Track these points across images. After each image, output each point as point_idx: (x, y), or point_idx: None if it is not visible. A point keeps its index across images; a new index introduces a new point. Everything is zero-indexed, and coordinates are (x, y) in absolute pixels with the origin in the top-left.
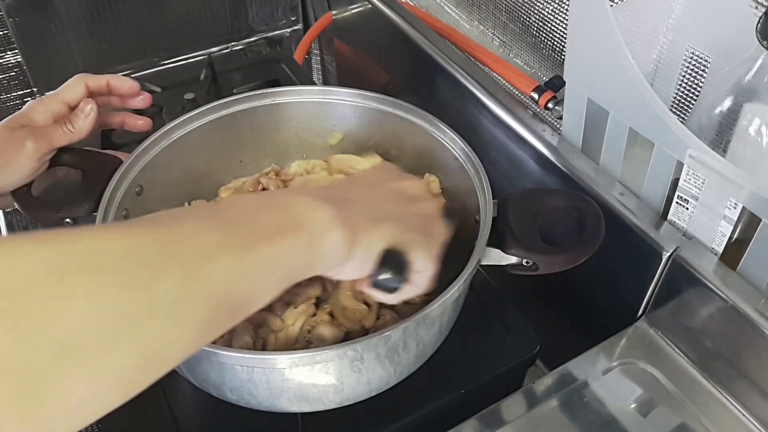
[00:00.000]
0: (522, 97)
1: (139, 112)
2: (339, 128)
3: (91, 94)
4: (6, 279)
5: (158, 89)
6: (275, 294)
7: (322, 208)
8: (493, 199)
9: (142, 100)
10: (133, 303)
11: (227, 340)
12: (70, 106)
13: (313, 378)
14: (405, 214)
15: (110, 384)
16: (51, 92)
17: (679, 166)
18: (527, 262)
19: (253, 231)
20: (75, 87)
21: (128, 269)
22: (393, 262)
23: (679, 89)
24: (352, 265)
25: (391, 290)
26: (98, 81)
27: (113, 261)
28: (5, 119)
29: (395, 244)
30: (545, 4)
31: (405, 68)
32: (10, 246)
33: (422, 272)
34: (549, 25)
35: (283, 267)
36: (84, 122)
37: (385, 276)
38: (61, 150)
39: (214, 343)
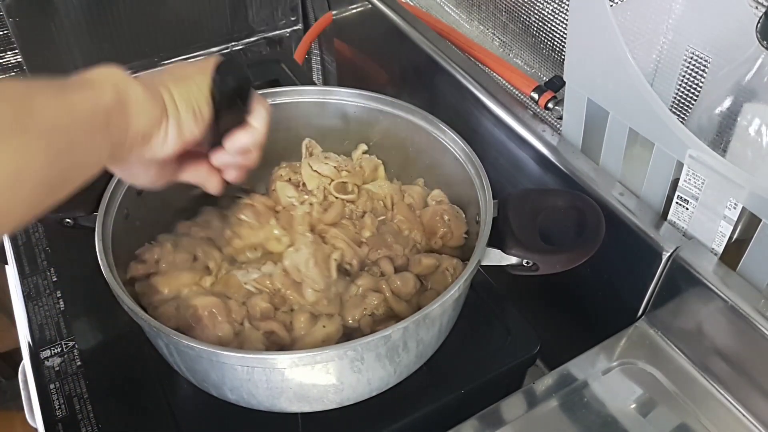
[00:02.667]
0: (522, 97)
1: None
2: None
3: None
4: None
5: None
6: (105, 144)
7: (113, 68)
8: (494, 199)
9: None
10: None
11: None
12: None
13: (313, 378)
14: (188, 66)
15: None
16: None
17: (679, 166)
18: (527, 263)
19: (62, 86)
20: None
21: None
22: (224, 83)
23: (679, 89)
24: (178, 118)
25: (240, 94)
26: None
27: None
28: None
29: (213, 66)
30: (545, 4)
31: (405, 68)
32: None
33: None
34: (549, 25)
35: (100, 112)
36: None
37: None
38: None
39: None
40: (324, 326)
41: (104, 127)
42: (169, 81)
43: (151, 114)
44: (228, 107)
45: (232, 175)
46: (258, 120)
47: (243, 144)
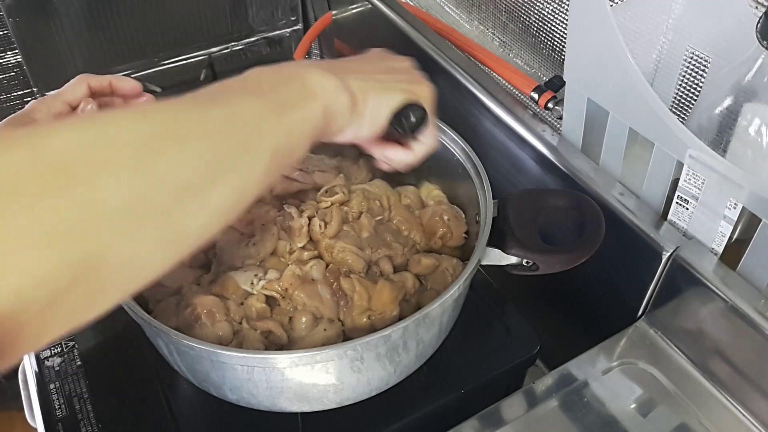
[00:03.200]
0: (522, 97)
1: None
2: None
3: (94, 95)
4: (121, 138)
5: (158, 89)
6: (306, 148)
7: (330, 79)
8: (494, 199)
9: (145, 102)
10: (222, 156)
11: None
12: (72, 107)
13: (313, 377)
14: (393, 80)
15: (214, 216)
16: (53, 92)
17: (679, 166)
18: (527, 262)
19: (283, 100)
20: (77, 87)
21: (215, 134)
22: (405, 113)
23: (679, 89)
24: (360, 123)
25: (411, 129)
26: (101, 81)
27: (195, 129)
28: (7, 118)
29: (404, 100)
30: (545, 4)
31: None
32: (121, 115)
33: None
34: (549, 25)
35: (308, 126)
36: None
37: (399, 123)
38: None
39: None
40: (325, 329)
41: (307, 141)
42: (371, 89)
43: (347, 120)
44: (400, 130)
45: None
46: (419, 148)
47: (392, 158)
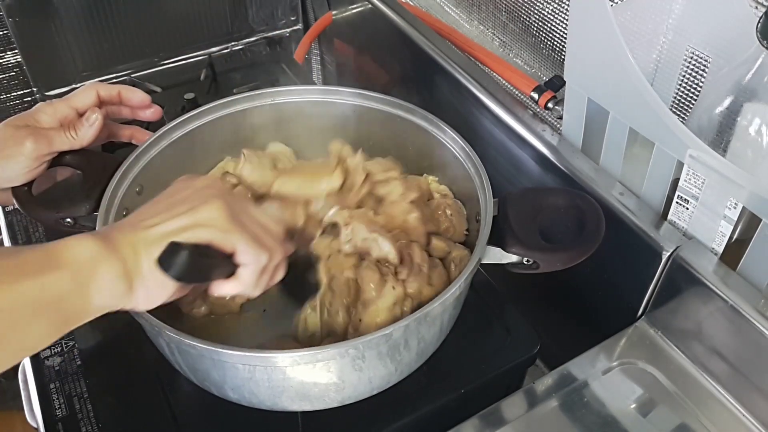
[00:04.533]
0: (522, 97)
1: (146, 125)
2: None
3: (102, 103)
4: None
5: (158, 89)
6: (52, 332)
7: (83, 242)
8: (494, 198)
9: (153, 113)
10: None
11: None
12: (78, 113)
13: (314, 376)
14: (171, 213)
15: None
16: (62, 97)
17: (679, 166)
18: (528, 261)
19: (13, 270)
20: (86, 94)
21: None
22: (168, 259)
23: (679, 89)
24: (143, 291)
25: (181, 275)
26: (110, 91)
27: None
28: (12, 117)
29: (185, 241)
30: (545, 4)
31: (405, 68)
32: None
33: (242, 254)
34: (549, 25)
35: (48, 303)
36: (87, 131)
37: (165, 260)
38: (62, 151)
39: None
40: (393, 287)
41: (52, 311)
42: (141, 242)
43: (118, 291)
44: (176, 279)
45: None
46: (244, 272)
47: (218, 293)
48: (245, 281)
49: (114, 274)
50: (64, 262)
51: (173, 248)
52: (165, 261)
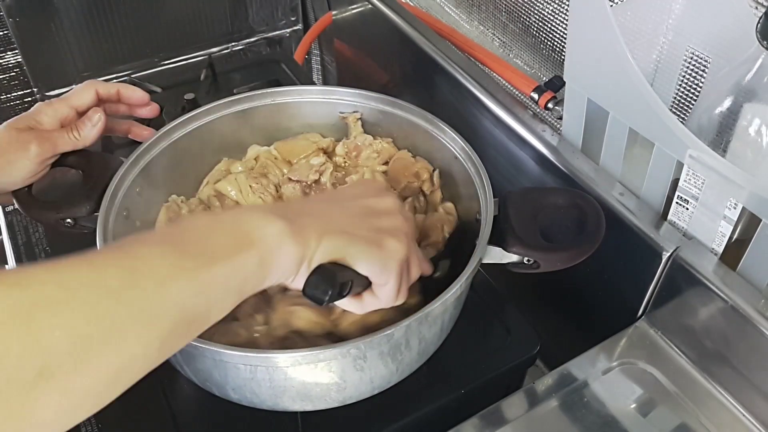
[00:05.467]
0: (522, 97)
1: (143, 121)
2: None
3: (101, 101)
4: None
5: (158, 89)
6: (230, 307)
7: (274, 223)
8: (494, 197)
9: (150, 110)
10: (99, 330)
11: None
12: (78, 112)
13: (315, 376)
14: (360, 227)
15: (80, 401)
16: (60, 96)
17: (679, 166)
18: (528, 260)
19: (206, 251)
20: (85, 93)
21: (93, 300)
22: (323, 274)
23: (679, 89)
24: (301, 277)
25: (319, 302)
26: (108, 89)
27: (79, 294)
28: (12, 119)
29: (335, 258)
30: (545, 4)
31: (405, 68)
32: None
33: (382, 285)
34: (549, 25)
35: (236, 283)
36: (90, 131)
37: (311, 289)
38: (64, 153)
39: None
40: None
41: (237, 292)
42: (330, 235)
43: (292, 271)
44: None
45: None
46: (370, 300)
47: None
48: (366, 309)
49: (294, 256)
50: (254, 242)
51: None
52: (310, 282)
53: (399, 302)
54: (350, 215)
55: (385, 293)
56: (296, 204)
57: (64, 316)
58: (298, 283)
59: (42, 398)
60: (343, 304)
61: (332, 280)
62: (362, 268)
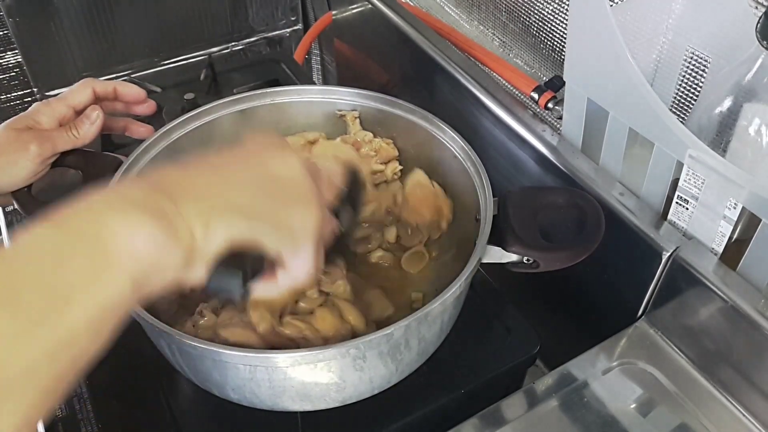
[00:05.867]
0: (522, 97)
1: (140, 118)
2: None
3: (98, 99)
4: None
5: (158, 89)
6: (109, 337)
7: (139, 228)
8: (494, 197)
9: (147, 107)
10: None
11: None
12: (75, 110)
13: (315, 376)
14: (259, 200)
15: None
16: (58, 95)
17: (679, 166)
18: (528, 260)
19: (54, 296)
20: (82, 91)
21: None
22: (224, 265)
23: (679, 89)
24: (196, 275)
25: (230, 296)
26: (105, 87)
27: None
28: (11, 119)
29: (235, 241)
30: (545, 4)
31: (405, 68)
32: None
33: (297, 261)
34: (549, 25)
35: (104, 313)
36: (89, 129)
37: (216, 284)
38: (63, 151)
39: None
40: None
41: (114, 324)
42: (218, 222)
43: (176, 277)
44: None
45: None
46: (284, 278)
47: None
48: (282, 288)
49: (175, 259)
50: (117, 259)
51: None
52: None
53: (314, 274)
54: (244, 186)
55: (301, 269)
56: (173, 180)
57: None
58: (194, 282)
59: None
60: (258, 290)
61: (236, 270)
62: (270, 250)
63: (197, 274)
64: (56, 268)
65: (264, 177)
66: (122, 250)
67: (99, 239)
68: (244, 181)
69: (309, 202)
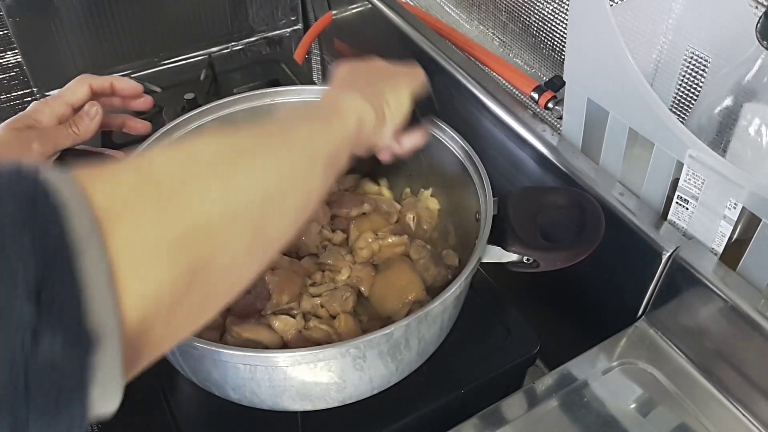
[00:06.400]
0: (522, 97)
1: (139, 114)
2: None
3: (95, 95)
4: (204, 156)
5: (158, 89)
6: (348, 156)
7: (355, 97)
8: (494, 197)
9: (144, 102)
10: (291, 169)
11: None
12: (73, 108)
13: (315, 376)
14: (398, 77)
15: (290, 220)
16: (54, 93)
17: (679, 166)
18: (528, 260)
19: (327, 120)
20: (79, 88)
21: (282, 151)
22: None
23: (679, 89)
24: (384, 124)
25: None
26: (102, 82)
27: (272, 147)
28: (10, 119)
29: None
30: (545, 4)
31: None
32: (203, 138)
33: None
34: (549, 25)
35: (348, 137)
36: (89, 124)
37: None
38: (63, 150)
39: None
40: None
41: (349, 148)
42: (388, 94)
43: (378, 128)
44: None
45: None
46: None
47: (406, 144)
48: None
49: (376, 116)
50: (347, 112)
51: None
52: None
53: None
54: (384, 78)
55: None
56: (355, 83)
57: (264, 161)
58: (379, 136)
59: (269, 218)
60: (411, 139)
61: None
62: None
63: (389, 123)
64: (322, 112)
65: (389, 70)
66: (350, 107)
67: (337, 102)
68: (384, 74)
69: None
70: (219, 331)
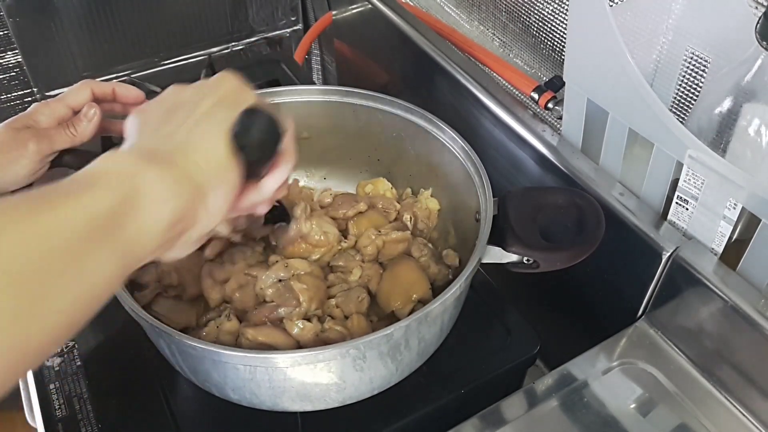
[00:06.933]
0: (522, 97)
1: None
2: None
3: (96, 101)
4: None
5: (158, 89)
6: (119, 269)
7: (119, 154)
8: (494, 197)
9: None
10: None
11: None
12: (74, 111)
13: (315, 377)
14: (211, 103)
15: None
16: (56, 96)
17: (679, 166)
18: (528, 260)
19: (43, 197)
20: (80, 92)
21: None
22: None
23: (679, 89)
24: (206, 198)
25: (259, 144)
26: (104, 88)
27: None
28: (10, 119)
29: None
30: (545, 4)
31: (405, 68)
32: None
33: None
34: (549, 25)
35: (99, 227)
36: (87, 126)
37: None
38: (62, 151)
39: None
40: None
41: (108, 236)
42: (192, 145)
43: (179, 195)
44: (250, 151)
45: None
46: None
47: (279, 181)
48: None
49: (168, 178)
50: (98, 178)
51: (249, 114)
52: (241, 129)
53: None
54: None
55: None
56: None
57: None
58: (210, 209)
59: None
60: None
61: (260, 116)
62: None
63: (213, 197)
64: (44, 189)
65: (173, 99)
66: (102, 170)
67: (83, 171)
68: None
69: (243, 89)
70: (234, 335)
